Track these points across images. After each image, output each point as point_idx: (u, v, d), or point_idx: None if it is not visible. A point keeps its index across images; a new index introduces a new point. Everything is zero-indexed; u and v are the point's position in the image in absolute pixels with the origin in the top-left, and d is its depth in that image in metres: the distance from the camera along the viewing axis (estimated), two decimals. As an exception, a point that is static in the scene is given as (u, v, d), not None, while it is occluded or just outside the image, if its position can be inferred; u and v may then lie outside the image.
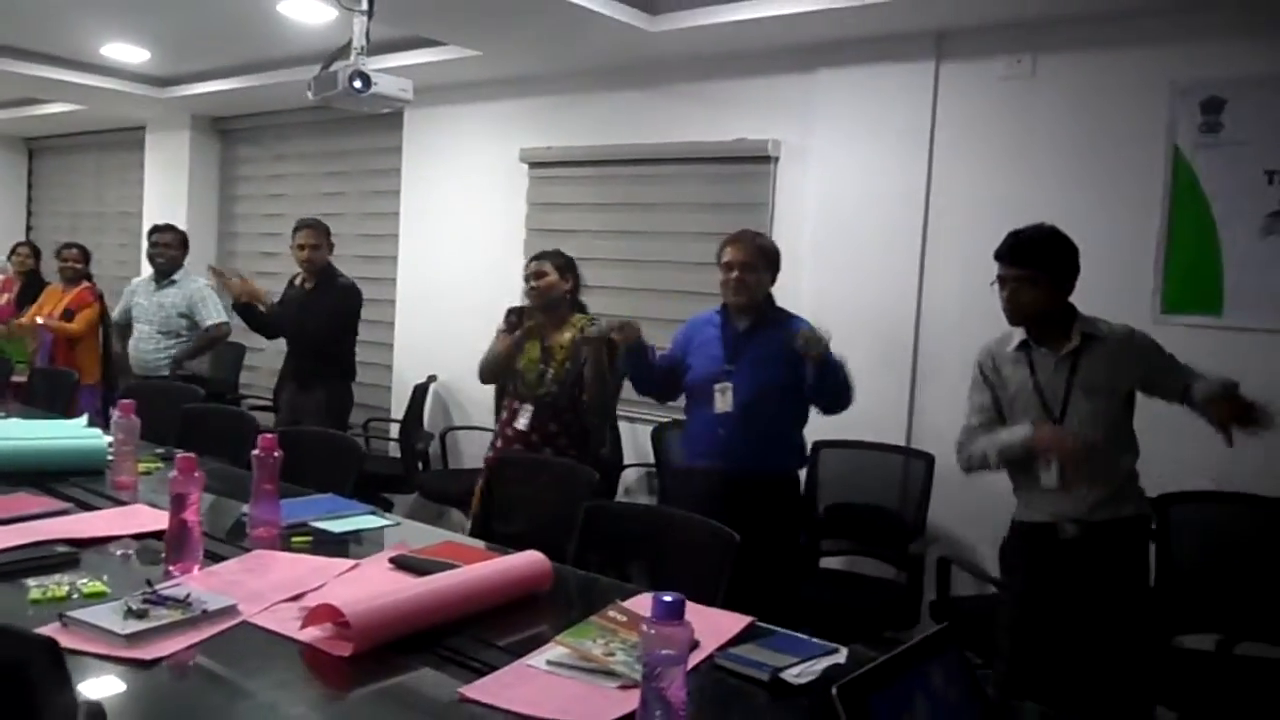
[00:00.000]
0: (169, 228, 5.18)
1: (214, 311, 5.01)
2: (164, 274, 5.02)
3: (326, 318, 4.48)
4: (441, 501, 4.83)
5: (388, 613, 1.85)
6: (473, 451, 5.10)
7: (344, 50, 3.53)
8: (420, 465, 5.10)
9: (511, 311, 3.65)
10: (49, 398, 4.49)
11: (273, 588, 2.09)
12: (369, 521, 2.71)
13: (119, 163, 8.00)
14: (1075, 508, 2.69)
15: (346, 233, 6.08)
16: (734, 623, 2.05)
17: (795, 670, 1.81)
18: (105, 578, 2.06)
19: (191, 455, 2.19)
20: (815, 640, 1.98)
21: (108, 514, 2.60)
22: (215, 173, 7.11)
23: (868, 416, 3.54)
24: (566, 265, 3.59)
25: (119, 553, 2.31)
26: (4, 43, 5.60)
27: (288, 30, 4.76)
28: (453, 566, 2.20)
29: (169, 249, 5.05)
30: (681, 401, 3.38)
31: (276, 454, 2.49)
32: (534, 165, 5.05)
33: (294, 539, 2.49)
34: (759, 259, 3.16)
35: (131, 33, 5.32)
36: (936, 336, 3.85)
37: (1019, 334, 2.79)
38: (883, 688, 1.34)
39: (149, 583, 1.97)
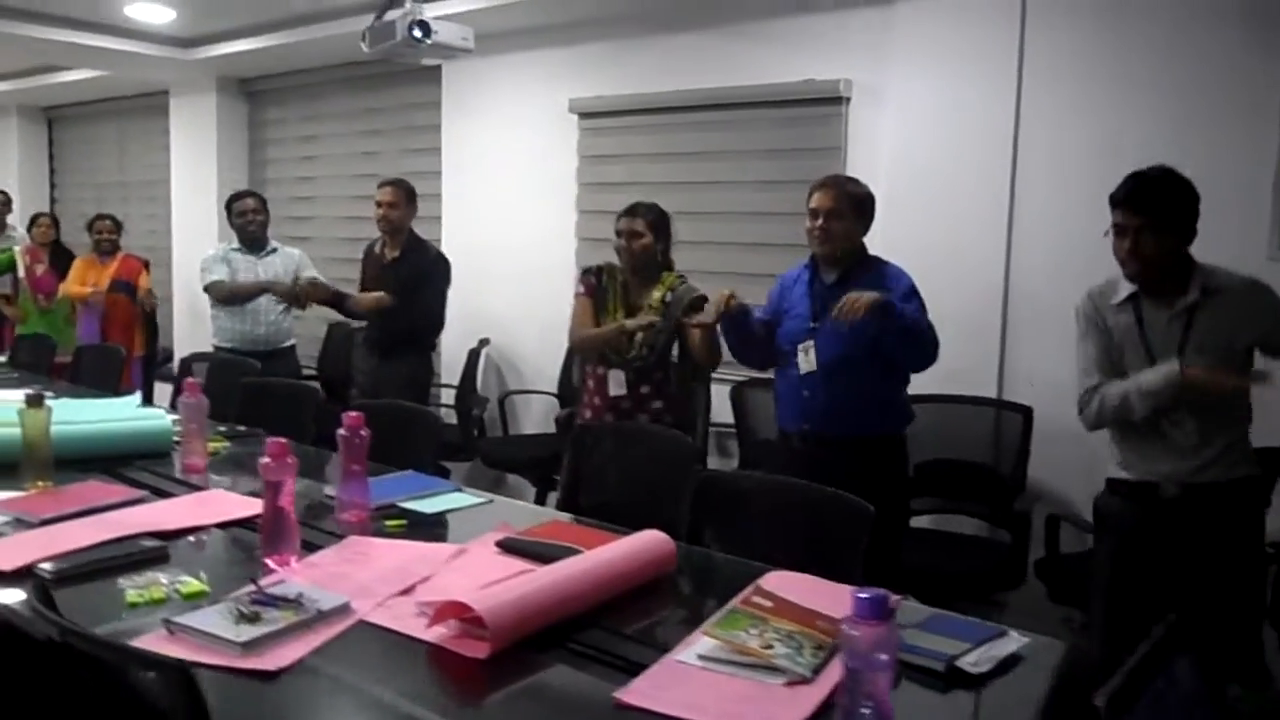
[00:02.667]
0: (250, 193, 4.97)
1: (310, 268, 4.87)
2: (259, 243, 4.82)
3: (422, 293, 4.24)
4: (504, 469, 4.69)
5: (522, 608, 1.69)
6: (530, 416, 4.95)
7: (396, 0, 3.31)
8: (475, 432, 4.95)
9: (589, 272, 3.47)
10: (98, 375, 4.34)
11: (380, 579, 1.93)
12: (460, 499, 2.56)
13: (142, 129, 7.80)
14: (1183, 467, 2.52)
15: (384, 194, 5.90)
16: (882, 604, 1.89)
17: (971, 658, 1.64)
18: (202, 575, 1.91)
19: (283, 440, 2.02)
20: (976, 621, 1.82)
21: (186, 501, 2.45)
22: (244, 136, 6.90)
23: (957, 370, 3.36)
24: (659, 221, 3.39)
25: (208, 544, 2.17)
26: (24, 7, 5.39)
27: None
28: (568, 550, 2.05)
29: (258, 215, 4.83)
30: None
31: (364, 433, 2.33)
32: (585, 116, 4.83)
33: (387, 523, 2.35)
34: (847, 205, 2.96)
35: (157, -9, 5.11)
36: (1029, 285, 3.64)
37: (1126, 285, 2.58)
38: (1137, 695, 1.17)
39: (254, 581, 1.82)
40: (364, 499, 2.37)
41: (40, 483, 2.48)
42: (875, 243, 3.72)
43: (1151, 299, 2.55)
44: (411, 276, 4.25)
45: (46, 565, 1.91)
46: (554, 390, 4.85)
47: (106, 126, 8.23)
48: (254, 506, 2.35)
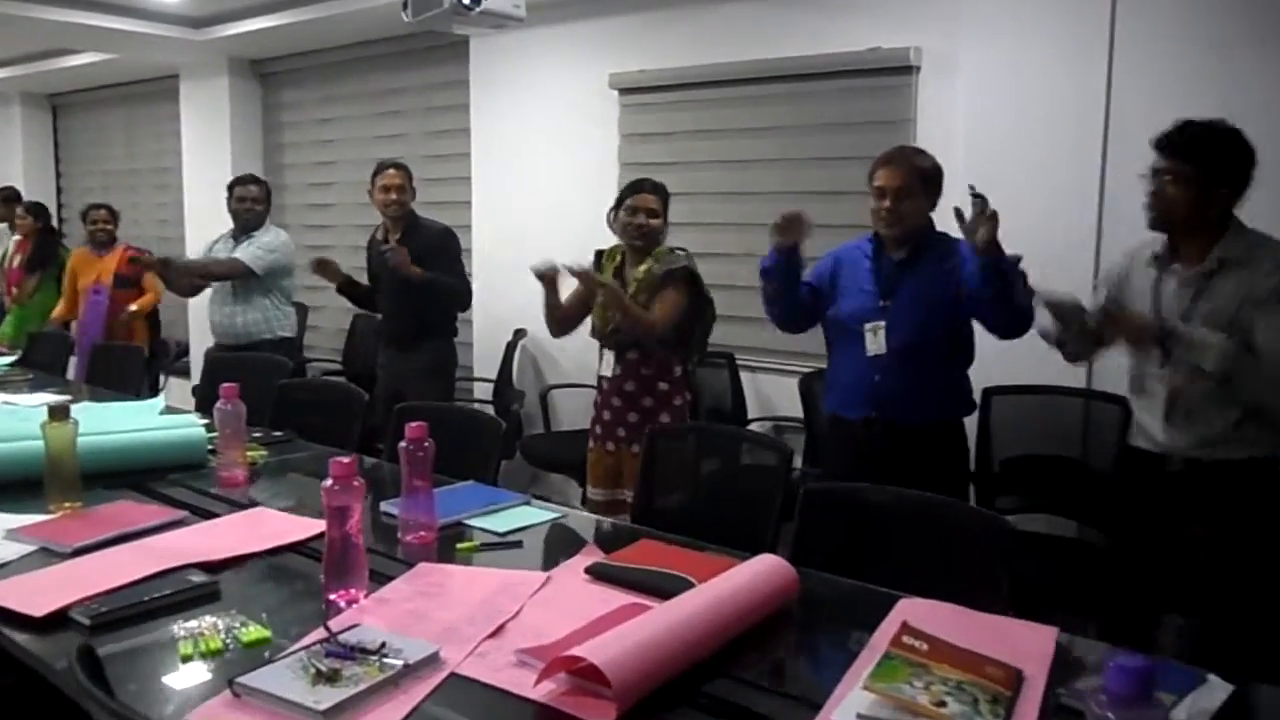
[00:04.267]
0: (252, 179, 4.66)
1: (257, 251, 4.45)
2: (246, 229, 4.51)
3: (435, 272, 3.97)
4: (548, 468, 4.43)
5: (646, 658, 1.44)
6: (570, 410, 4.68)
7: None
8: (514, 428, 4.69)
9: (601, 255, 3.35)
10: (115, 376, 4.08)
11: (465, 618, 1.69)
12: (531, 514, 2.31)
13: (151, 115, 7.52)
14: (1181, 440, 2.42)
15: (408, 178, 5.63)
16: (1043, 639, 1.64)
17: (1181, 713, 1.39)
18: (263, 616, 1.66)
19: (348, 458, 1.77)
20: (1166, 661, 1.56)
21: (231, 523, 2.20)
22: (257, 120, 6.62)
23: (1044, 360, 3.08)
24: (666, 201, 3.27)
25: (262, 575, 1.91)
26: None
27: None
28: (673, 579, 1.81)
29: (256, 203, 4.53)
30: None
31: (428, 444, 2.08)
32: (626, 92, 4.55)
33: (458, 546, 2.10)
34: (916, 182, 2.72)
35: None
36: (1123, 267, 3.36)
37: (1159, 241, 2.47)
38: None
39: (327, 628, 1.57)
40: (430, 518, 2.13)
41: (67, 504, 2.23)
42: (948, 223, 3.47)
43: (1179, 260, 2.43)
44: (419, 253, 3.95)
45: (85, 610, 1.65)
46: (593, 383, 4.58)
47: (114, 113, 7.95)
48: (307, 527, 2.12)
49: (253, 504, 2.34)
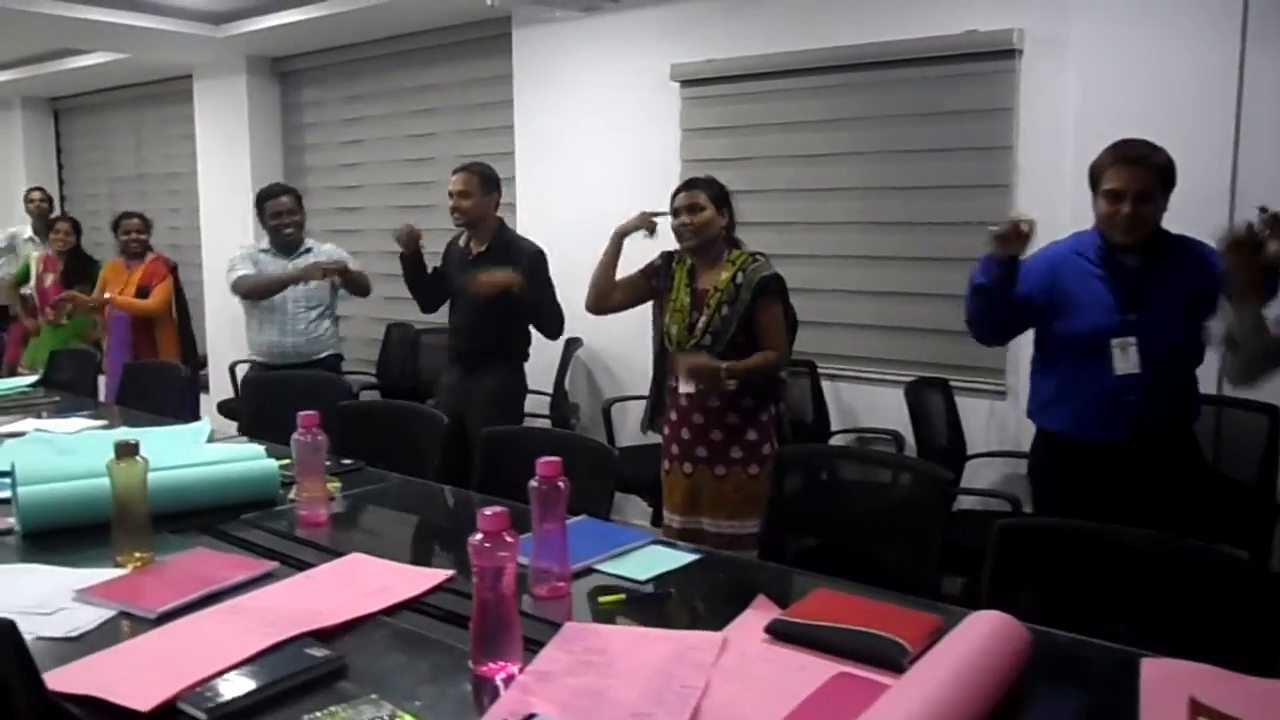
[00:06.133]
0: (283, 188, 4.30)
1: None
2: (294, 245, 4.18)
3: (522, 295, 3.65)
4: (617, 487, 4.13)
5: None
6: (628, 425, 4.39)
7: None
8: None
9: (664, 256, 3.12)
10: (147, 395, 3.76)
11: (649, 696, 1.41)
12: (665, 556, 2.03)
13: (161, 119, 7.21)
14: None
15: (443, 179, 5.31)
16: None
17: None
18: (417, 704, 1.37)
19: (501, 509, 1.48)
20: None
21: (329, 575, 1.90)
22: (277, 121, 6.31)
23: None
24: (722, 196, 3.01)
25: (388, 643, 1.62)
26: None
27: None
28: (873, 639, 1.53)
29: (294, 215, 4.18)
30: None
31: (562, 483, 1.80)
32: (689, 84, 4.26)
33: (601, 600, 1.81)
34: (1157, 184, 2.43)
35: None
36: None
37: None
38: None
39: (507, 724, 1.28)
40: (564, 567, 1.84)
41: (138, 554, 1.93)
42: (1057, 220, 3.21)
43: None
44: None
45: (197, 700, 1.36)
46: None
47: (120, 117, 7.62)
48: (418, 579, 1.84)
49: (339, 549, 2.05)
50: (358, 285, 4.18)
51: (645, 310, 4.39)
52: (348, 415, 2.91)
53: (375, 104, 5.77)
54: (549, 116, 4.78)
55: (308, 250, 4.17)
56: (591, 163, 4.64)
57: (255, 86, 6.19)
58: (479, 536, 1.48)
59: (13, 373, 5.37)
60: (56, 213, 6.02)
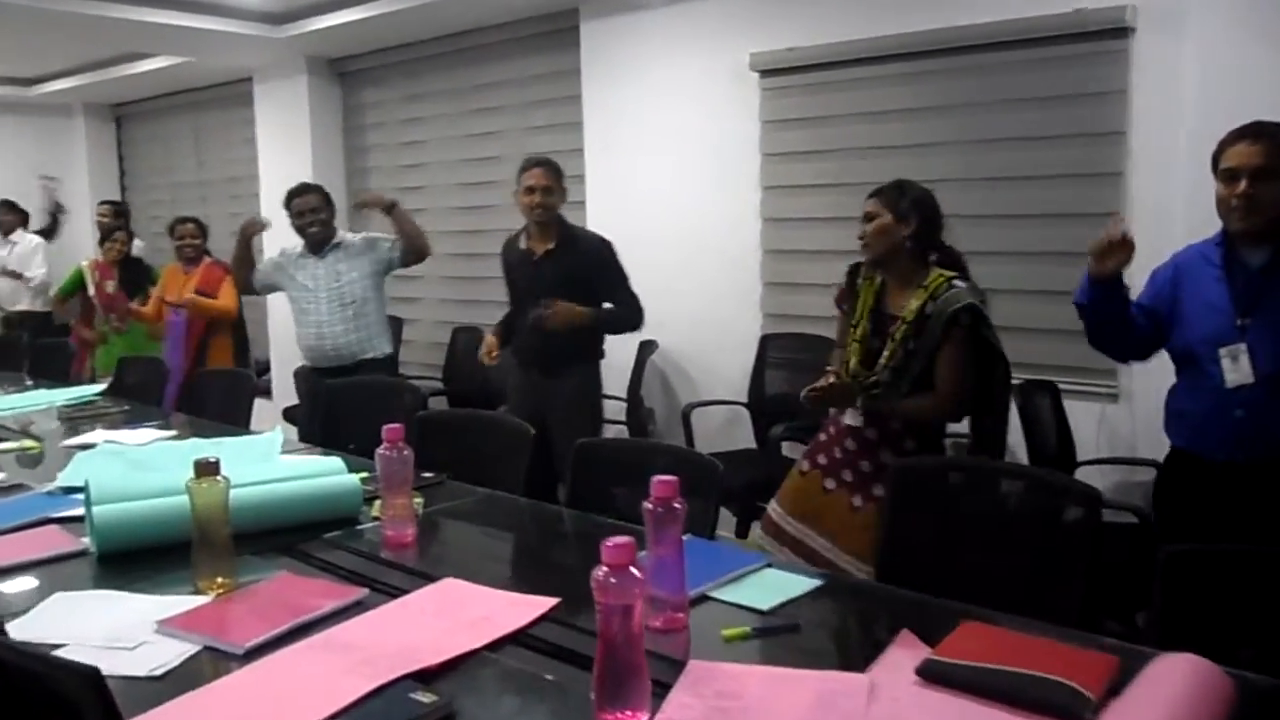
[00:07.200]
0: (308, 187, 4.20)
1: (388, 235, 4.15)
2: (321, 243, 4.09)
3: (596, 291, 3.51)
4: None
5: None
6: (706, 430, 4.21)
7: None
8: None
9: (849, 272, 2.72)
10: (210, 403, 3.66)
11: (803, 757, 1.22)
12: (784, 581, 1.86)
13: (221, 123, 7.17)
14: None
15: (507, 179, 5.18)
16: None
17: None
18: (540, 764, 1.21)
19: (628, 540, 1.32)
20: None
21: (424, 604, 1.75)
22: (338, 122, 6.23)
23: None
24: (911, 206, 2.54)
25: (497, 684, 1.46)
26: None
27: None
28: (1060, 691, 1.33)
29: (318, 213, 4.08)
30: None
31: (679, 504, 1.63)
32: (768, 74, 4.07)
33: (725, 633, 1.64)
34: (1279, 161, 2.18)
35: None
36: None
37: None
38: None
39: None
40: (682, 595, 1.67)
41: (220, 579, 1.80)
42: (1174, 209, 2.99)
43: None
44: (579, 272, 3.50)
45: (299, 759, 1.21)
46: (743, 400, 4.12)
47: (180, 122, 7.62)
48: (520, 607, 1.70)
49: (429, 573, 1.90)
50: (411, 240, 4.05)
51: (732, 311, 4.24)
52: (427, 425, 2.77)
53: (436, 103, 5.66)
54: (620, 111, 4.62)
55: (336, 246, 4.06)
56: (665, 158, 4.46)
57: (315, 87, 6.12)
58: (603, 570, 1.31)
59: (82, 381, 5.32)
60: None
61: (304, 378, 4.65)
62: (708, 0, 4.22)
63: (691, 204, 4.37)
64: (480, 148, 5.43)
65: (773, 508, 2.78)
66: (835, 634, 1.70)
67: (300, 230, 4.10)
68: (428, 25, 5.28)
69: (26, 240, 6.68)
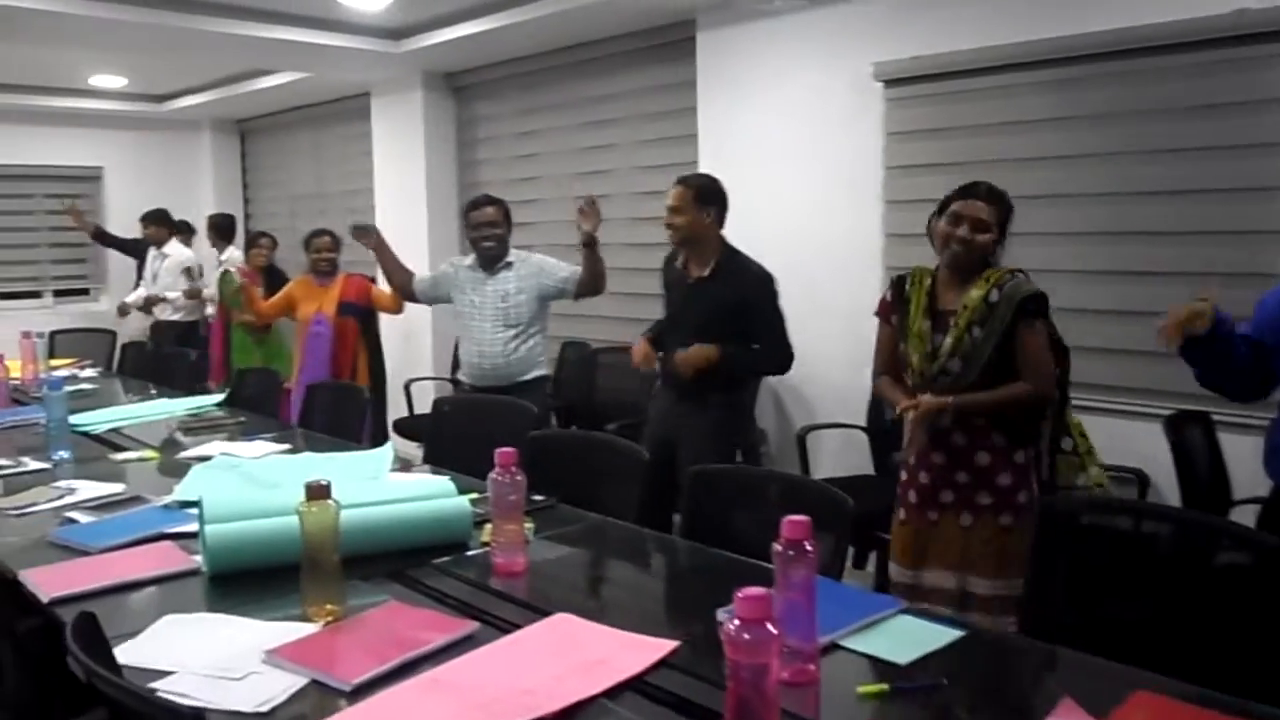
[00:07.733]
0: (489, 200, 3.99)
1: (565, 264, 3.92)
2: (494, 259, 3.89)
3: (753, 325, 3.30)
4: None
5: None
6: (824, 454, 4.05)
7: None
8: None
9: (891, 285, 2.74)
10: (329, 418, 3.66)
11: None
12: (920, 629, 1.72)
13: (339, 137, 7.31)
14: None
15: (619, 193, 5.14)
16: None
17: None
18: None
19: (764, 592, 1.20)
20: None
21: (538, 641, 1.66)
22: (452, 136, 6.28)
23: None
24: (1005, 210, 2.58)
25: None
26: (233, 2, 4.87)
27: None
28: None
29: (496, 227, 3.89)
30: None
31: (810, 546, 1.49)
32: (893, 83, 3.90)
33: (860, 690, 1.50)
34: None
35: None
36: None
37: None
38: None
39: None
40: (813, 645, 1.54)
41: (329, 606, 1.74)
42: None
43: None
44: (731, 303, 3.28)
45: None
46: (861, 423, 3.95)
47: (301, 136, 7.80)
48: (639, 650, 1.60)
49: (542, 606, 1.80)
50: (596, 280, 3.81)
51: (851, 330, 4.06)
52: (538, 446, 2.69)
53: (550, 116, 5.64)
54: (737, 123, 4.50)
55: (508, 265, 3.89)
56: (784, 171, 4.32)
57: (431, 102, 6.18)
58: (736, 624, 1.20)
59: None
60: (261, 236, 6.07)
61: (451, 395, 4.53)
62: (828, 9, 4.07)
63: (810, 219, 4.22)
64: (593, 161, 5.38)
65: (891, 572, 2.66)
66: (983, 695, 1.53)
67: (474, 243, 3.94)
68: (542, 39, 5.26)
69: (179, 252, 6.69)
